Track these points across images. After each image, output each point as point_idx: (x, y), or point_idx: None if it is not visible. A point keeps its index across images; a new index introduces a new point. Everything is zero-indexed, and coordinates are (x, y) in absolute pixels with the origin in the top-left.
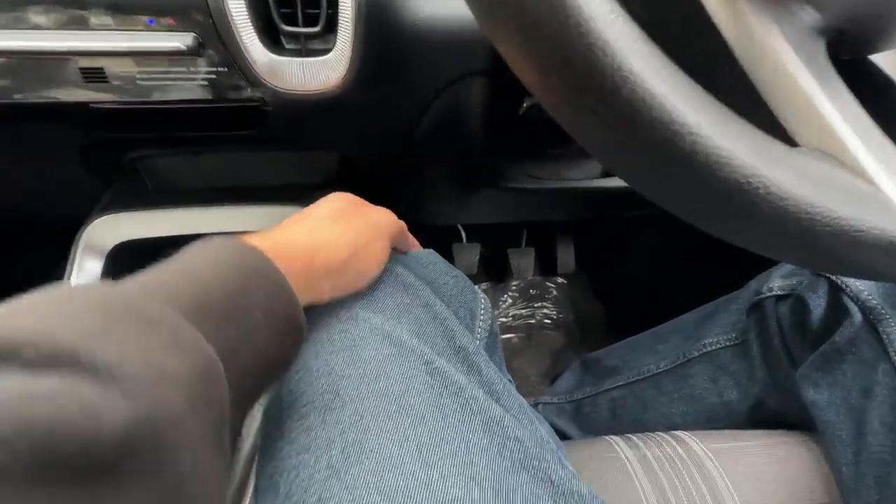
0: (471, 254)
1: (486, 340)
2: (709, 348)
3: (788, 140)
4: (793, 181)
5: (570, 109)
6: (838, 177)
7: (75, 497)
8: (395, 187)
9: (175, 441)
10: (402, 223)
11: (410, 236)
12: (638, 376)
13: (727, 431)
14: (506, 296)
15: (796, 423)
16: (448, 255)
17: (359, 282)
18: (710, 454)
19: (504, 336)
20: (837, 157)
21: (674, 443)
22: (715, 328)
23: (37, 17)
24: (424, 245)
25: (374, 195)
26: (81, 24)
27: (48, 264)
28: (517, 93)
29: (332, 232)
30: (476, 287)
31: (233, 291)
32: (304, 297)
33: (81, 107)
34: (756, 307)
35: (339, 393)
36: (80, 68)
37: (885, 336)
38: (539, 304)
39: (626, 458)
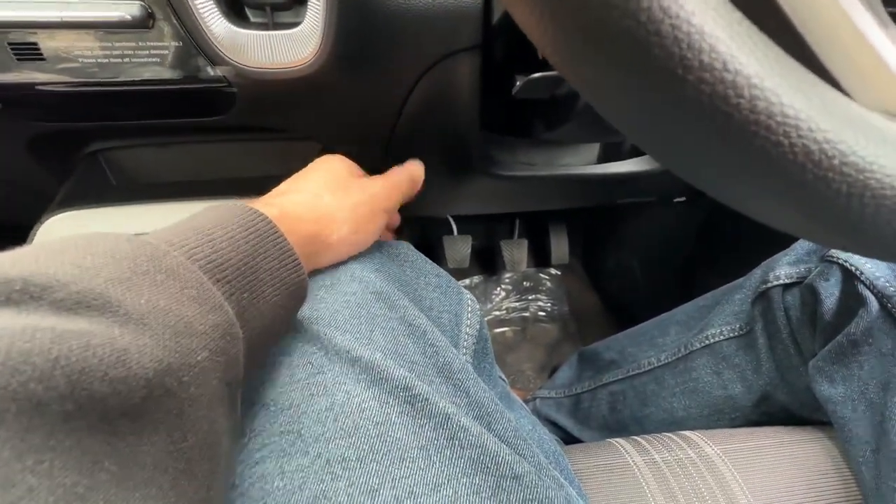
0: (462, 246)
1: (473, 347)
2: (711, 340)
3: None
4: (878, 149)
5: (587, 52)
6: None
7: (100, 439)
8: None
9: (196, 392)
10: (397, 184)
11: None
12: (638, 370)
13: (739, 430)
14: (499, 289)
15: (806, 417)
16: (439, 248)
17: (352, 252)
18: (722, 456)
19: (498, 330)
20: None
21: (683, 444)
22: (718, 319)
23: None
24: (415, 239)
25: None
26: None
27: None
28: (509, 69)
29: (335, 207)
30: (461, 286)
31: (245, 256)
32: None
33: (18, 90)
34: (762, 297)
35: (302, 433)
36: (9, 44)
37: None
38: (533, 296)
39: (635, 463)
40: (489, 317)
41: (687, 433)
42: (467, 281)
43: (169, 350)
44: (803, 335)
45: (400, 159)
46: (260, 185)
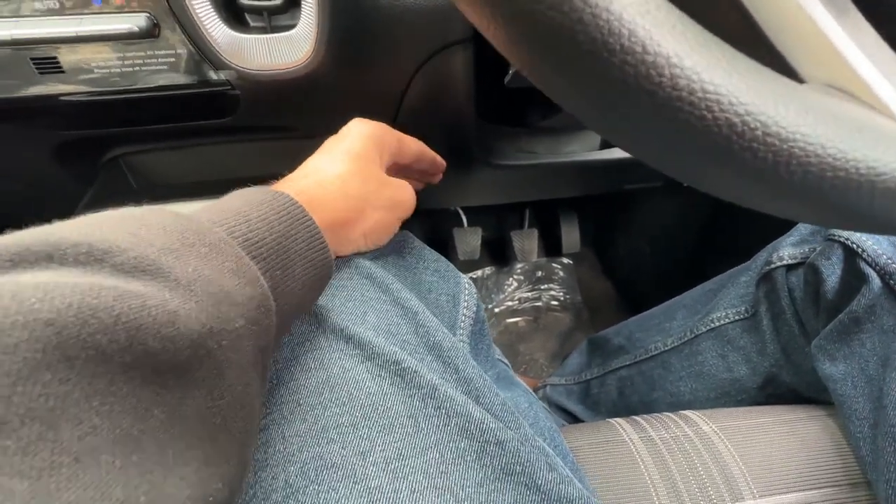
0: (473, 238)
1: (470, 328)
2: (717, 323)
3: (792, 77)
4: (799, 119)
5: (522, 40)
6: (854, 113)
7: (151, 389)
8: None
9: (233, 356)
10: (413, 199)
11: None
12: (645, 355)
13: (739, 409)
14: (511, 279)
15: (811, 397)
16: (450, 240)
17: (362, 250)
18: (719, 433)
19: (511, 320)
20: (852, 93)
21: (681, 423)
22: (723, 302)
23: None
24: (426, 232)
25: None
26: (25, 10)
27: None
28: (502, 60)
29: (360, 205)
30: (459, 272)
31: (278, 236)
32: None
33: (43, 101)
34: (766, 278)
35: (300, 402)
36: (32, 59)
37: None
38: (546, 285)
39: (631, 440)
40: (502, 307)
41: (686, 412)
42: (479, 272)
43: (211, 316)
44: (807, 315)
45: None
46: (268, 182)
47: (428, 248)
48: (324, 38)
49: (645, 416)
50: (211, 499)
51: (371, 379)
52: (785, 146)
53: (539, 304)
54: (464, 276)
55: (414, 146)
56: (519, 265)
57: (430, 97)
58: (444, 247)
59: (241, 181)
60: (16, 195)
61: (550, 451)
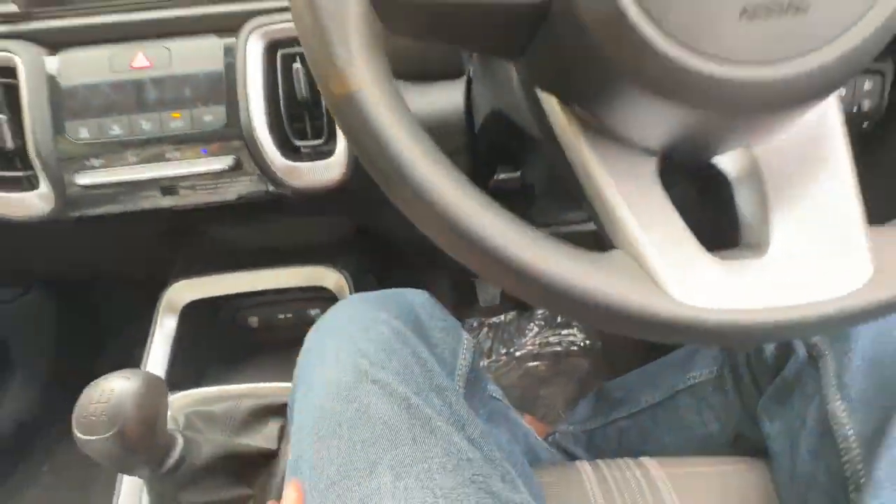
0: (492, 287)
1: (466, 376)
2: (692, 381)
3: (607, 245)
4: (575, 278)
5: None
6: (629, 271)
7: None
8: (413, 237)
9: None
10: None
11: None
12: (637, 407)
13: (689, 458)
14: (532, 324)
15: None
16: (471, 289)
17: None
18: (665, 479)
19: (531, 364)
20: (635, 257)
21: (634, 467)
22: (699, 361)
23: (132, 156)
24: (449, 282)
25: (395, 247)
26: (159, 157)
27: (137, 311)
28: (490, 166)
29: None
30: (461, 328)
31: None
32: None
33: (163, 210)
34: None
35: (340, 423)
36: (161, 187)
37: (822, 372)
38: (566, 331)
39: (588, 480)
40: (523, 351)
41: (643, 459)
42: (501, 317)
43: None
44: (761, 377)
45: None
46: (311, 251)
47: (439, 306)
48: (352, 160)
49: (608, 460)
50: None
51: (388, 409)
52: (578, 302)
53: (559, 348)
54: (465, 332)
55: None
56: (540, 310)
57: None
58: (469, 292)
59: (288, 248)
60: (125, 256)
61: (511, 471)
